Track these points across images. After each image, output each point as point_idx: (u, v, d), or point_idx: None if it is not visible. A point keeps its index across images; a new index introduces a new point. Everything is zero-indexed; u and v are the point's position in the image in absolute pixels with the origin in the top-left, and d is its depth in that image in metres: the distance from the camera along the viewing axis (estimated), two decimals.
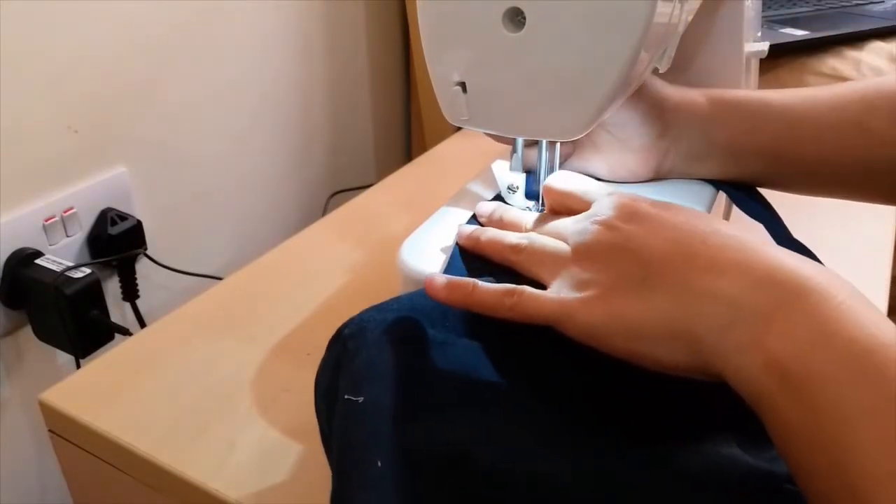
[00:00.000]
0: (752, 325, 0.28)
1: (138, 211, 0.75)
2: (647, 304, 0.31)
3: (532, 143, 0.47)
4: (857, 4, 1.10)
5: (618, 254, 0.33)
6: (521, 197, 0.46)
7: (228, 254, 0.89)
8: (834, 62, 0.89)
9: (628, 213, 0.34)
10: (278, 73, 0.92)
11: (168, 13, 0.74)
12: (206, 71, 0.81)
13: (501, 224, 0.43)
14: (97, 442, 0.45)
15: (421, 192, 0.75)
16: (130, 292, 0.74)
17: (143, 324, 0.75)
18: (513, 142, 0.46)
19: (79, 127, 0.68)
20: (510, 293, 0.35)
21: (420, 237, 0.46)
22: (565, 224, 0.38)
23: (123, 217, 0.72)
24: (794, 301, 0.28)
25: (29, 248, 0.65)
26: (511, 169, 0.46)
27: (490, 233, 0.41)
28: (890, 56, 0.90)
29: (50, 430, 0.49)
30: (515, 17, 0.35)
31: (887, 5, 1.09)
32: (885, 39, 0.95)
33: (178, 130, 0.79)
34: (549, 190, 0.41)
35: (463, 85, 0.38)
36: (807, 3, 1.11)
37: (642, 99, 0.46)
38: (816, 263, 0.30)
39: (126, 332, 0.67)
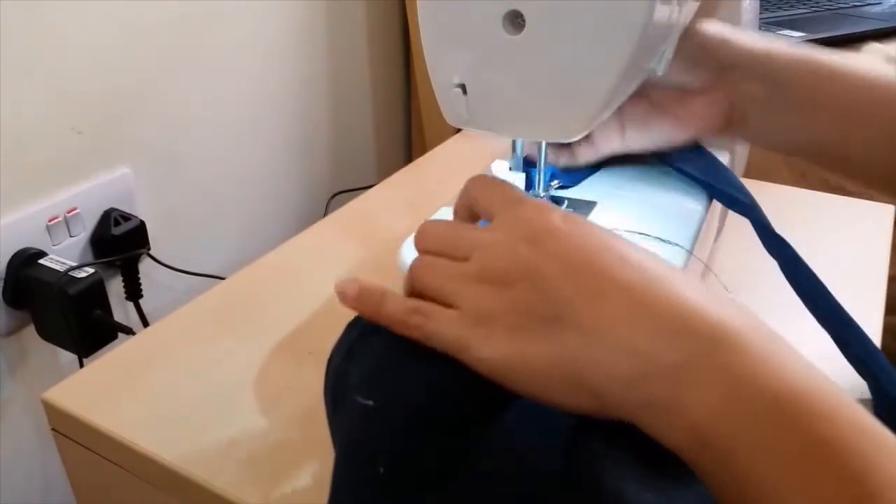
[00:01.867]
0: (664, 382, 0.26)
1: (141, 211, 0.75)
2: (548, 347, 0.28)
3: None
4: (854, 6, 1.10)
5: (520, 283, 0.29)
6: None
7: (231, 254, 0.90)
8: None
9: (533, 233, 0.30)
10: (280, 74, 0.92)
11: (171, 14, 0.74)
12: (209, 72, 0.81)
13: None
14: (100, 441, 0.46)
15: (421, 193, 0.75)
16: (133, 292, 0.74)
17: (146, 323, 0.75)
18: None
19: (82, 128, 0.69)
20: (417, 311, 0.31)
21: None
22: (469, 235, 0.33)
23: (127, 217, 0.73)
24: (704, 355, 0.25)
25: (32, 249, 0.66)
26: (511, 169, 0.46)
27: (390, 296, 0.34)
28: (887, 57, 0.91)
29: (53, 429, 0.49)
30: (515, 20, 0.35)
31: (884, 7, 1.09)
32: (882, 41, 0.95)
33: (181, 131, 0.80)
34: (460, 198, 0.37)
35: (463, 87, 0.38)
36: (804, 4, 1.11)
37: (687, 37, 0.43)
38: (729, 304, 0.27)
39: (129, 332, 0.67)
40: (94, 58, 0.68)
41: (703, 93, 0.46)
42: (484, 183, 0.35)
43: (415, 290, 0.34)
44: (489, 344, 0.29)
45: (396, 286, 0.45)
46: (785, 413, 0.24)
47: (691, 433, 0.25)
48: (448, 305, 0.31)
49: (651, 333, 0.26)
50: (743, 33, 0.46)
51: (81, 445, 0.47)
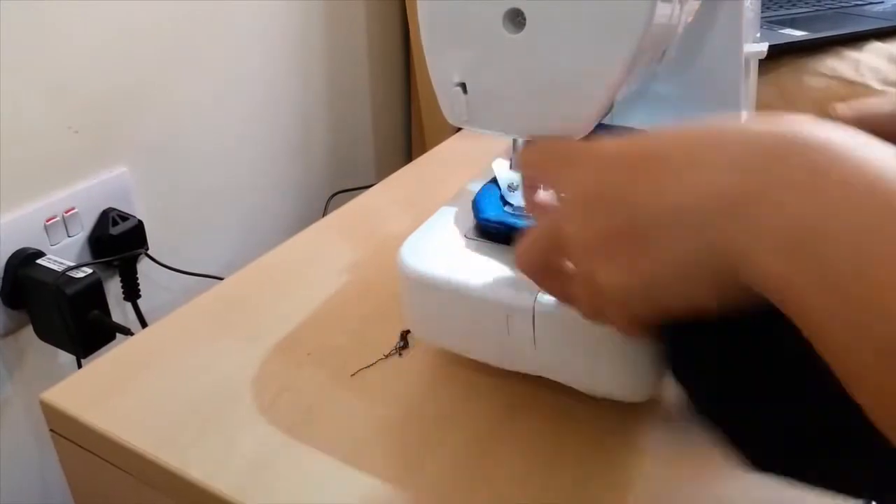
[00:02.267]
0: (756, 203, 0.25)
1: (139, 211, 0.75)
2: (657, 252, 0.28)
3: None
4: (856, 5, 1.10)
5: (597, 217, 0.30)
6: (520, 195, 0.46)
7: (229, 254, 0.89)
8: (833, 63, 0.90)
9: (588, 184, 0.31)
10: (279, 74, 0.92)
11: (169, 13, 0.74)
12: (207, 71, 0.81)
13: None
14: (98, 441, 0.46)
15: (421, 193, 0.75)
16: (132, 292, 0.74)
17: (144, 323, 0.75)
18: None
19: (80, 127, 0.68)
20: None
21: (420, 237, 0.46)
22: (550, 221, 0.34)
23: (125, 217, 0.72)
24: (784, 162, 0.25)
25: (30, 248, 0.65)
26: (511, 168, 0.46)
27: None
28: (889, 56, 0.90)
29: (51, 430, 0.49)
30: (516, 18, 0.35)
31: (886, 6, 1.09)
32: (884, 40, 0.95)
33: (180, 130, 0.79)
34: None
35: (463, 85, 0.38)
36: (806, 3, 1.11)
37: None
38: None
39: (127, 332, 0.67)
40: (91, 57, 0.68)
41: None
42: (532, 154, 0.37)
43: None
44: (612, 278, 0.30)
45: (397, 286, 0.45)
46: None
47: (785, 239, 0.24)
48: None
49: (733, 164, 0.26)
50: None
51: (80, 446, 0.47)
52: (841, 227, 0.23)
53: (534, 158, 0.37)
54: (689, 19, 0.45)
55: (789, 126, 0.26)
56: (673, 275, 0.28)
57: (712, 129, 0.28)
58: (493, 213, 0.46)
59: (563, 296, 0.35)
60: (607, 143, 0.31)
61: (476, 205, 0.47)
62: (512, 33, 0.35)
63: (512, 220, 0.44)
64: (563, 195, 0.34)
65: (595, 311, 0.33)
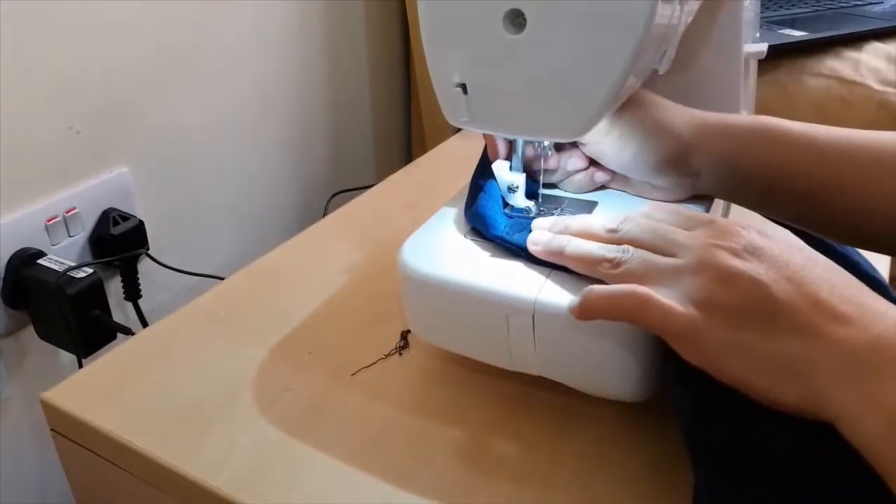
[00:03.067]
0: (872, 379, 0.29)
1: (140, 211, 0.75)
2: (773, 344, 0.32)
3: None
4: (856, 5, 1.10)
5: (748, 285, 0.33)
6: (521, 197, 0.47)
7: (230, 254, 0.89)
8: (833, 63, 0.90)
9: (748, 245, 0.34)
10: (279, 74, 0.92)
11: (170, 14, 0.74)
12: (208, 72, 0.81)
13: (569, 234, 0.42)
14: (99, 441, 0.46)
15: (421, 193, 0.75)
16: (132, 292, 0.74)
17: (144, 323, 0.75)
18: (507, 153, 0.46)
19: (81, 127, 0.68)
20: (634, 296, 0.35)
21: (421, 237, 0.46)
22: (672, 237, 0.37)
23: (125, 217, 0.72)
24: None
25: (31, 248, 0.65)
26: (511, 169, 0.46)
27: (575, 243, 0.40)
28: (888, 57, 0.90)
29: (52, 430, 0.49)
30: (516, 19, 0.35)
31: (886, 6, 1.09)
32: (884, 40, 0.95)
33: (180, 131, 0.79)
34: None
35: (463, 86, 0.38)
36: (805, 4, 1.11)
37: (658, 144, 0.45)
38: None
39: (128, 332, 0.67)
40: (93, 57, 0.68)
41: (667, 190, 0.48)
42: (665, 209, 0.39)
43: (618, 278, 0.37)
44: (716, 331, 0.33)
45: (397, 286, 0.45)
46: None
47: (891, 416, 0.28)
48: (653, 285, 0.35)
49: (868, 338, 0.30)
50: (703, 121, 0.47)
51: (80, 446, 0.47)
52: None
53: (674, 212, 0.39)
54: (689, 20, 0.45)
55: None
56: (774, 372, 0.32)
57: (864, 294, 0.33)
58: (501, 228, 0.45)
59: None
60: (783, 243, 0.35)
61: (483, 220, 0.45)
62: (512, 34, 0.35)
63: (520, 239, 0.43)
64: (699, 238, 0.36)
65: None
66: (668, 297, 0.34)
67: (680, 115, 0.46)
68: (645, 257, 0.37)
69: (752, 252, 0.34)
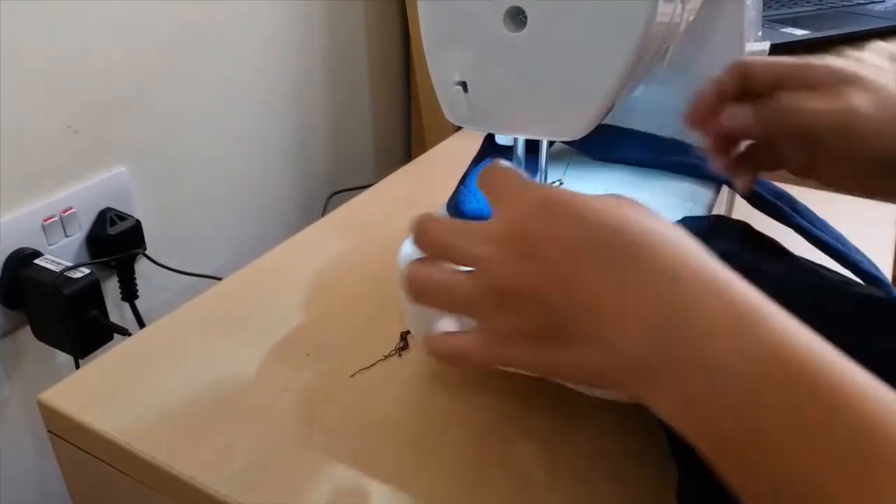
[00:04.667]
0: (660, 381, 0.28)
1: (137, 211, 0.75)
2: (568, 355, 0.31)
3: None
4: (858, 4, 1.10)
5: (527, 305, 0.31)
6: None
7: (228, 254, 0.89)
8: (835, 62, 0.89)
9: (524, 248, 0.31)
10: (278, 74, 0.92)
11: (168, 13, 0.74)
12: (206, 71, 0.81)
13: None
14: (96, 442, 0.45)
15: (421, 192, 0.75)
16: (129, 292, 0.74)
17: (142, 324, 0.75)
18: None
19: (78, 127, 0.68)
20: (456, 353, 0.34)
21: None
22: (467, 247, 0.34)
23: (122, 217, 0.72)
24: (686, 345, 0.28)
25: (28, 248, 0.65)
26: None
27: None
28: (891, 56, 0.90)
29: (49, 431, 0.49)
30: (517, 17, 0.35)
31: (888, 5, 1.09)
32: (886, 39, 0.95)
33: (178, 130, 0.79)
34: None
35: (464, 84, 0.38)
36: (808, 2, 1.11)
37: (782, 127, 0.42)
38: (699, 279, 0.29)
39: (125, 333, 0.67)
40: (90, 57, 0.68)
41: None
42: (488, 172, 0.36)
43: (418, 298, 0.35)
44: (520, 356, 0.32)
45: (397, 286, 0.45)
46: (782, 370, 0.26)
47: (688, 409, 0.28)
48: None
49: (644, 336, 0.29)
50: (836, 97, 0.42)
51: (77, 447, 0.47)
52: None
53: (491, 176, 0.35)
54: (691, 18, 0.45)
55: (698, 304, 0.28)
56: (580, 376, 0.32)
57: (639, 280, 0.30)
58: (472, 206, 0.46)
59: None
60: (562, 226, 0.32)
61: (462, 216, 0.46)
62: (513, 32, 0.35)
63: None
64: (491, 244, 0.33)
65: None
66: (482, 338, 0.33)
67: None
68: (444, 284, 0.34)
69: (530, 257, 0.31)
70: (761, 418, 0.26)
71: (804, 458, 0.25)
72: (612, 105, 0.38)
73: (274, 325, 0.54)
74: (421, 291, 0.35)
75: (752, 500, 0.26)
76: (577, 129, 0.37)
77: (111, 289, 0.74)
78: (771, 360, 0.26)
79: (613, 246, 0.30)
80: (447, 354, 0.34)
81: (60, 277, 0.63)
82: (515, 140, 0.45)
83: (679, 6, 0.38)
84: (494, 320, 0.33)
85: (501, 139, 0.52)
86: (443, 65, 0.38)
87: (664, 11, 0.35)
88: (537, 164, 0.47)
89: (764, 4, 1.08)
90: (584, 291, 0.30)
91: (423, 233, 0.35)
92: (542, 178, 0.47)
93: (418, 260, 0.35)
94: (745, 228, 0.44)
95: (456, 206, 0.48)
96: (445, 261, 0.34)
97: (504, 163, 0.35)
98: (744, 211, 0.49)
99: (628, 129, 0.56)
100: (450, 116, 0.40)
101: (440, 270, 0.34)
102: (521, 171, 0.35)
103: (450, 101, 0.39)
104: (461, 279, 0.33)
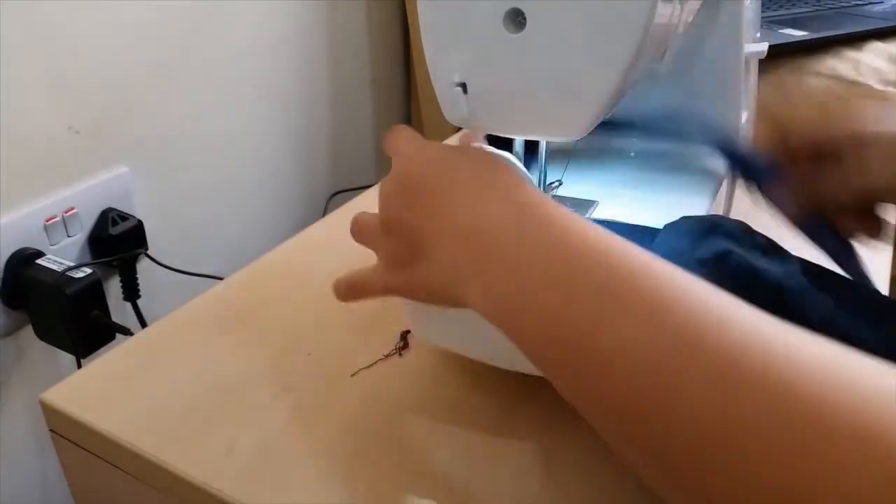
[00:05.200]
0: (473, 277, 0.34)
1: (139, 211, 0.75)
2: (416, 274, 0.38)
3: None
4: (856, 5, 1.10)
5: (398, 233, 0.38)
6: None
7: (229, 254, 0.89)
8: (833, 63, 0.90)
9: (403, 188, 0.38)
10: (279, 74, 0.92)
11: (169, 13, 0.74)
12: (207, 71, 0.81)
13: None
14: (98, 441, 0.45)
15: None
16: (131, 292, 0.74)
17: (143, 324, 0.75)
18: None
19: (80, 127, 0.68)
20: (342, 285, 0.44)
21: None
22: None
23: (124, 217, 0.72)
24: (485, 246, 0.34)
25: (30, 248, 0.65)
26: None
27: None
28: (889, 56, 0.90)
29: (51, 430, 0.49)
30: (516, 18, 0.35)
31: (886, 6, 1.09)
32: (885, 40, 0.95)
33: (180, 131, 0.79)
34: None
35: (463, 85, 0.38)
36: (806, 3, 1.11)
37: None
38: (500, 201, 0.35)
39: (127, 332, 0.67)
40: (92, 57, 0.68)
41: None
42: (392, 132, 0.43)
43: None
44: (394, 281, 0.40)
45: None
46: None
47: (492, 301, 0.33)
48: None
49: (460, 242, 0.35)
50: None
51: (79, 446, 0.47)
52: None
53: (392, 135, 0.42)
54: (690, 19, 0.45)
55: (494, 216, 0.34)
56: (430, 290, 0.38)
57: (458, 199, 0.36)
58: None
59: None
60: (426, 158, 0.39)
61: None
62: (512, 33, 0.35)
63: None
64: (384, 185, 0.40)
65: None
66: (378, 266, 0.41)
67: None
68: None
69: (404, 192, 0.38)
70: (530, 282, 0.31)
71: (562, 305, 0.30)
72: (612, 106, 0.38)
73: (275, 325, 0.54)
74: (354, 231, 0.43)
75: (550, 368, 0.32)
76: (577, 130, 0.37)
77: (113, 288, 0.74)
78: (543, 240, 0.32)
79: (451, 178, 0.37)
80: (346, 286, 0.44)
81: (62, 277, 0.63)
82: (514, 140, 0.45)
83: (678, 7, 0.38)
84: (383, 249, 0.41)
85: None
86: (442, 66, 0.38)
87: (663, 12, 0.35)
88: (537, 164, 0.47)
89: (762, 5, 1.08)
90: (426, 216, 0.37)
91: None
92: (542, 177, 0.47)
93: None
94: (743, 228, 0.45)
95: None
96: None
97: (406, 128, 0.42)
98: (743, 209, 0.49)
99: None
100: (449, 117, 0.40)
101: (367, 215, 0.42)
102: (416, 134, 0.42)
103: (449, 102, 0.39)
104: (372, 219, 0.41)
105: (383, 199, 0.39)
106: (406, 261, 0.38)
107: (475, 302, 0.34)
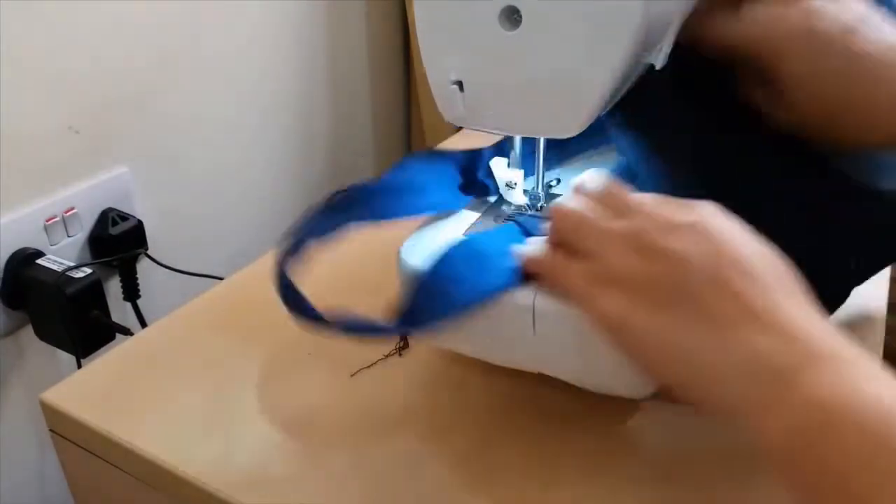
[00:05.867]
0: (771, 384, 0.29)
1: (139, 211, 0.75)
2: (669, 321, 0.31)
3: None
4: None
5: (663, 260, 0.32)
6: (519, 193, 0.46)
7: (229, 254, 0.89)
8: None
9: (681, 221, 0.33)
10: (279, 74, 0.92)
11: (169, 13, 0.74)
12: (208, 71, 0.81)
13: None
14: (98, 441, 0.46)
15: None
16: (131, 292, 0.74)
17: (143, 324, 0.75)
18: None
19: (80, 127, 0.68)
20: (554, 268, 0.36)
21: (420, 237, 0.46)
22: (623, 199, 0.36)
23: (124, 217, 0.72)
24: (812, 365, 0.29)
25: (30, 248, 0.65)
26: (509, 166, 0.46)
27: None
28: None
29: (51, 430, 0.49)
30: (511, 16, 0.35)
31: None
32: None
33: (180, 131, 0.79)
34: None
35: (460, 84, 0.38)
36: None
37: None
38: (823, 323, 0.30)
39: (127, 332, 0.67)
40: (92, 57, 0.68)
41: None
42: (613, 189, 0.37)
43: (558, 235, 0.37)
44: (613, 300, 0.33)
45: (396, 286, 0.45)
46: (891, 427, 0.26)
47: (782, 434, 0.28)
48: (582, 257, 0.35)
49: (766, 340, 0.29)
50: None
51: (79, 446, 0.47)
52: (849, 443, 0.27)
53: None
54: (687, 13, 0.45)
55: (823, 336, 0.29)
56: (661, 346, 0.32)
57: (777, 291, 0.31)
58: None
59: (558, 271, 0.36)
60: (717, 219, 0.33)
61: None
62: (508, 31, 0.35)
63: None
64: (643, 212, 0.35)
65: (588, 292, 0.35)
66: (585, 268, 0.34)
67: None
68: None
69: (683, 227, 0.33)
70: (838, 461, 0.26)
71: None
72: (609, 102, 0.38)
73: (275, 325, 0.54)
74: (568, 215, 0.36)
75: None
76: (573, 126, 0.37)
77: (113, 288, 0.74)
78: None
79: (773, 266, 0.32)
80: (548, 270, 0.36)
81: (62, 277, 0.63)
82: (512, 138, 0.45)
83: (673, 3, 0.38)
84: (616, 258, 0.33)
85: (497, 137, 0.52)
86: (439, 64, 0.38)
87: (657, 9, 0.35)
88: (533, 163, 0.47)
89: None
90: (738, 278, 0.31)
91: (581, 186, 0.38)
92: (540, 175, 0.47)
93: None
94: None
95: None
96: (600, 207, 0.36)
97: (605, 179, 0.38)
98: None
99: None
100: (446, 116, 0.40)
101: (588, 206, 0.36)
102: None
103: (446, 101, 0.39)
104: (605, 213, 0.35)
105: (652, 212, 0.34)
106: (661, 296, 0.32)
107: (766, 424, 0.29)
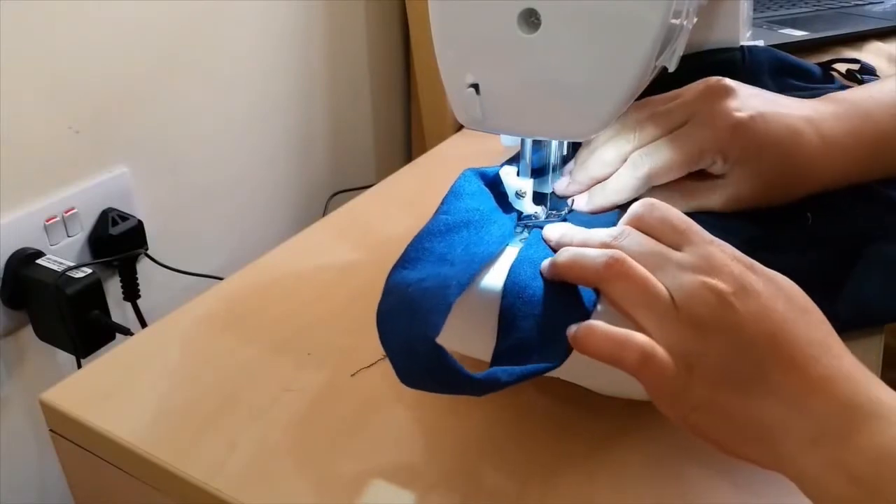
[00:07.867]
0: (837, 446, 0.31)
1: (139, 211, 0.75)
2: (747, 408, 0.32)
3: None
4: (856, 5, 1.10)
5: (729, 337, 0.33)
6: (529, 203, 0.46)
7: (229, 254, 0.89)
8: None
9: (739, 287, 0.33)
10: (279, 74, 0.92)
11: (169, 13, 0.74)
12: (208, 71, 0.81)
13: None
14: (98, 441, 0.45)
15: (421, 193, 0.75)
16: (131, 292, 0.74)
17: (143, 323, 0.75)
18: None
19: (80, 127, 0.68)
20: (637, 351, 0.34)
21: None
22: (660, 258, 0.35)
23: (124, 217, 0.72)
24: (870, 424, 0.31)
25: (30, 248, 0.65)
26: (519, 174, 0.46)
27: (569, 252, 0.37)
28: (889, 56, 0.90)
29: (51, 430, 0.49)
30: (530, 19, 0.35)
31: (886, 6, 1.09)
32: (884, 40, 0.95)
33: (179, 130, 0.79)
34: (644, 212, 0.38)
35: (476, 86, 0.38)
36: (806, 3, 1.11)
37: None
38: (872, 378, 0.32)
39: (127, 332, 0.67)
40: (92, 56, 0.68)
41: None
42: (666, 213, 0.37)
43: (610, 292, 0.36)
44: (695, 389, 0.33)
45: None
46: None
47: (854, 481, 0.30)
48: (643, 322, 0.35)
49: (833, 406, 0.31)
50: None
51: (79, 446, 0.47)
52: None
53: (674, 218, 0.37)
54: (696, 20, 0.45)
55: (885, 398, 0.32)
56: (744, 428, 0.33)
57: (837, 360, 0.33)
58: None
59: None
60: (776, 289, 0.34)
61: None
62: (526, 34, 0.35)
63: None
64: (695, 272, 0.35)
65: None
66: (658, 338, 0.34)
67: None
68: (638, 272, 0.35)
69: (741, 295, 0.33)
70: None
71: None
72: (627, 105, 0.37)
73: (275, 325, 0.54)
74: (629, 273, 0.35)
75: None
76: (591, 128, 0.37)
77: (113, 288, 0.74)
78: None
79: (821, 328, 0.34)
80: (603, 337, 0.34)
81: (62, 277, 0.63)
82: (523, 141, 0.45)
83: (687, 5, 0.38)
84: (693, 340, 0.33)
85: (507, 140, 0.52)
86: (454, 67, 0.38)
87: (676, 11, 0.35)
88: (547, 164, 0.47)
89: (762, 5, 1.08)
90: (792, 349, 0.32)
91: (624, 233, 0.37)
92: (550, 177, 0.47)
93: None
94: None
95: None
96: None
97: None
98: None
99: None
100: (462, 119, 0.40)
101: (650, 276, 0.35)
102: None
103: (461, 104, 0.38)
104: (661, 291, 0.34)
105: (700, 290, 0.33)
106: (728, 376, 0.33)
107: (810, 469, 0.32)
